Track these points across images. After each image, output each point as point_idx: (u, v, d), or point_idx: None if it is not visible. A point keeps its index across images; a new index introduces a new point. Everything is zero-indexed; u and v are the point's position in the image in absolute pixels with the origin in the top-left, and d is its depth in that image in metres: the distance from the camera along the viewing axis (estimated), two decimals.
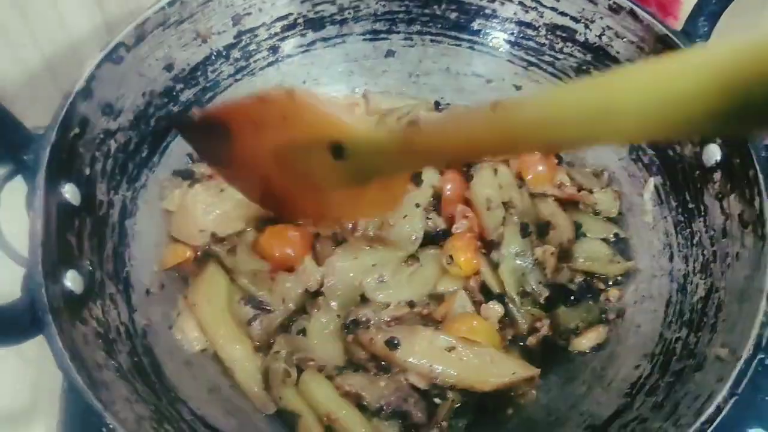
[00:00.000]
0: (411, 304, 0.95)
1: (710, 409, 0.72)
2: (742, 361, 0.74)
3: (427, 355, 0.88)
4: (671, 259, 0.98)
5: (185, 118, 0.97)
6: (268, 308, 0.94)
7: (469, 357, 0.89)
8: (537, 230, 1.01)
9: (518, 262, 0.97)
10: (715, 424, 0.71)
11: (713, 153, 0.92)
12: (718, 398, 0.72)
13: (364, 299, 0.96)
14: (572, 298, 1.00)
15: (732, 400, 0.72)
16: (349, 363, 0.93)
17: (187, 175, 1.05)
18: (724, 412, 0.72)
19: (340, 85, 1.19)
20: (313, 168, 0.81)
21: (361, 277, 0.95)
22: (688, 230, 0.96)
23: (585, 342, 0.97)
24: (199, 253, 1.01)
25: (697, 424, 0.71)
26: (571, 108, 0.55)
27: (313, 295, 0.96)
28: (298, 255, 0.97)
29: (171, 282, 0.99)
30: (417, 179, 1.03)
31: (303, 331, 0.94)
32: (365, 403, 0.88)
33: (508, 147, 0.71)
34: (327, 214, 0.91)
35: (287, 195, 0.89)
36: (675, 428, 0.73)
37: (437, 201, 1.03)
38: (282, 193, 0.89)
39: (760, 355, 1.06)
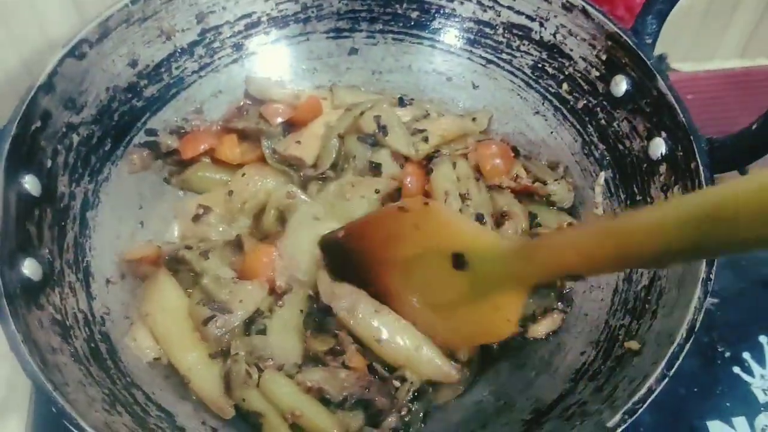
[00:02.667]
0: None
1: (642, 391, 0.74)
2: (675, 344, 0.76)
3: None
4: None
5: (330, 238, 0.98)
6: (228, 309, 0.95)
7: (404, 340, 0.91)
8: (493, 220, 1.03)
9: None
10: (646, 404, 0.73)
11: (659, 146, 0.95)
12: (651, 380, 0.74)
13: None
14: None
15: (664, 382, 0.74)
16: (308, 359, 0.95)
17: (152, 147, 1.08)
18: (655, 393, 0.74)
19: (304, 83, 1.21)
20: (433, 278, 0.84)
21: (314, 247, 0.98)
22: None
23: (541, 329, 0.99)
24: (167, 256, 1.01)
25: (629, 404, 0.73)
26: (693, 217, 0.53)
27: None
28: None
29: (131, 273, 1.01)
30: (376, 169, 1.05)
31: (263, 331, 0.95)
32: (328, 396, 0.90)
33: (627, 261, 0.69)
34: (438, 335, 0.92)
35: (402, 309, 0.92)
36: (611, 410, 0.75)
37: (398, 192, 1.06)
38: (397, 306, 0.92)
39: (720, 348, 1.10)
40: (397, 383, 0.92)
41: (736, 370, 1.10)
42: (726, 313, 1.14)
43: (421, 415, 0.92)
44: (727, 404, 1.06)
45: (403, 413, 0.91)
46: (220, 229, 1.06)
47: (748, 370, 1.10)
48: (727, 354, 1.11)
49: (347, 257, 0.94)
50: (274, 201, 1.05)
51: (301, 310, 0.97)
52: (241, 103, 1.17)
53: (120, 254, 1.01)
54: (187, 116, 1.13)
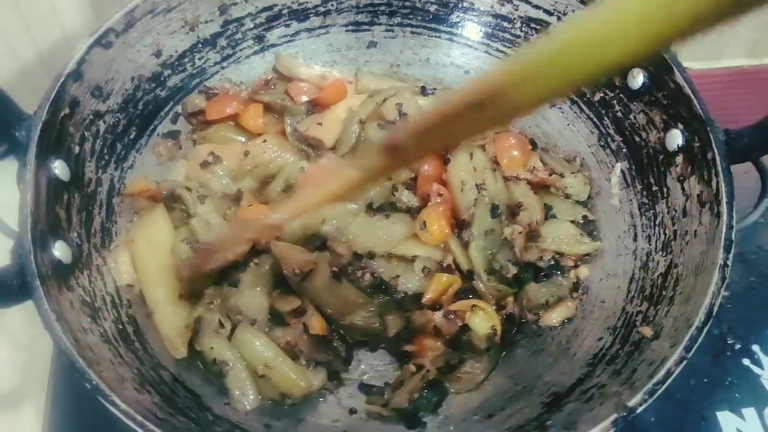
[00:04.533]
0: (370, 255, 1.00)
1: (661, 372, 0.75)
2: (693, 327, 0.78)
3: None
4: (635, 238, 1.02)
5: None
6: None
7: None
8: (508, 211, 1.05)
9: (487, 240, 1.01)
10: (666, 384, 0.75)
11: (675, 138, 0.97)
12: (670, 362, 0.76)
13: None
14: (542, 275, 1.03)
15: (682, 364, 0.76)
16: (272, 318, 0.97)
17: (175, 135, 1.10)
18: (674, 375, 0.75)
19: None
20: None
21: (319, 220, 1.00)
22: (651, 211, 1.01)
23: (555, 316, 1.01)
24: (164, 192, 1.03)
25: (649, 384, 0.74)
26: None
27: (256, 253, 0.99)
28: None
29: (129, 207, 1.03)
30: None
31: (234, 283, 0.96)
32: (299, 354, 0.93)
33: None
34: None
35: None
36: (630, 391, 0.77)
37: (413, 180, 1.08)
38: None
39: (729, 340, 1.12)
40: (413, 368, 0.94)
41: (746, 362, 1.11)
42: (736, 306, 1.15)
43: (434, 401, 0.94)
44: (737, 395, 1.07)
45: (411, 396, 0.93)
46: (224, 182, 1.07)
47: (758, 362, 1.11)
48: (737, 346, 1.12)
49: None
50: (286, 173, 1.07)
51: (273, 270, 0.98)
52: (269, 77, 1.19)
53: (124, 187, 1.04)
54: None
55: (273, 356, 0.91)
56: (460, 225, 1.04)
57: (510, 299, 1.01)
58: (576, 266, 1.05)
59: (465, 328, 0.97)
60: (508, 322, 1.00)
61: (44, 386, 1.04)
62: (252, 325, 0.94)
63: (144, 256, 0.97)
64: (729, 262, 0.82)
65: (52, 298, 0.78)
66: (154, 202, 1.02)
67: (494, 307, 0.99)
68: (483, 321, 0.97)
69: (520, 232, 1.01)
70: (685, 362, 0.76)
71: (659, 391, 0.74)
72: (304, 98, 1.15)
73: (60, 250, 0.85)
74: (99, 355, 0.80)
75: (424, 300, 0.98)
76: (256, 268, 0.97)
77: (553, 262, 1.04)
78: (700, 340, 0.78)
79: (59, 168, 0.89)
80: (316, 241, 1.00)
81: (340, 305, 0.94)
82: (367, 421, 0.93)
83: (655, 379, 0.75)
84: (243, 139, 1.14)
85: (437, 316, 0.97)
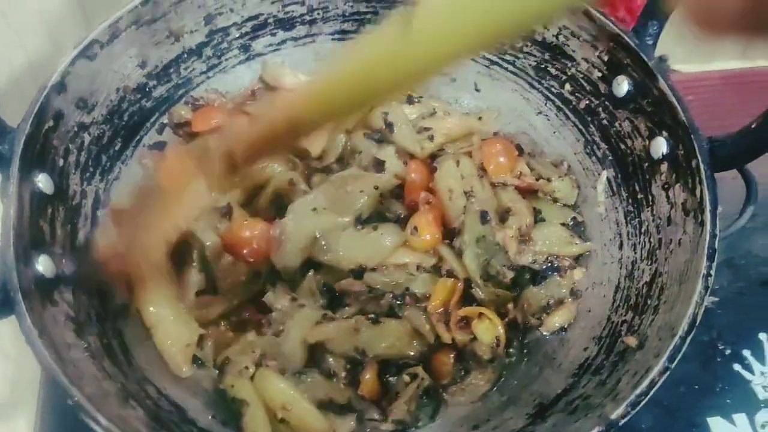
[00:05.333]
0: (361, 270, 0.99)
1: (645, 383, 0.75)
2: (677, 337, 0.78)
3: None
4: (621, 247, 1.02)
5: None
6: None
7: None
8: (497, 217, 1.05)
9: (480, 247, 1.01)
10: (648, 396, 0.75)
11: (660, 145, 0.97)
12: (654, 372, 0.76)
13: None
14: (540, 277, 1.04)
15: (666, 374, 0.76)
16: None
17: (161, 147, 1.10)
18: (657, 385, 0.75)
19: None
20: None
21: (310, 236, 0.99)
22: (636, 220, 1.00)
23: (557, 320, 1.00)
24: None
25: (632, 396, 0.74)
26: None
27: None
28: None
29: (115, 223, 0.99)
30: (380, 165, 1.07)
31: (279, 333, 0.96)
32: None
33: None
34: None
35: None
36: (614, 402, 0.76)
37: (401, 190, 1.08)
38: None
39: (720, 346, 1.12)
40: (407, 378, 0.94)
41: (737, 367, 1.11)
42: (726, 312, 1.15)
43: (431, 410, 0.94)
44: (728, 401, 1.07)
45: (410, 407, 0.92)
46: (211, 195, 1.05)
47: (749, 368, 1.11)
48: (728, 352, 1.12)
49: None
50: (274, 184, 1.06)
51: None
52: (256, 88, 1.19)
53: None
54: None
55: (293, 400, 0.90)
56: (450, 233, 1.04)
57: (510, 305, 1.01)
58: (571, 268, 1.05)
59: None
60: (513, 330, 1.00)
61: (35, 398, 1.04)
62: (282, 374, 0.93)
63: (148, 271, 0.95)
64: (712, 272, 0.82)
65: (34, 313, 0.77)
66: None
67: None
68: (488, 330, 0.97)
69: (512, 237, 1.01)
70: (668, 372, 0.76)
71: (642, 403, 0.74)
72: None
73: (43, 265, 0.84)
74: (83, 370, 0.79)
75: (429, 307, 0.98)
76: (303, 315, 0.97)
77: (548, 265, 1.04)
78: (683, 349, 0.78)
79: (43, 181, 0.89)
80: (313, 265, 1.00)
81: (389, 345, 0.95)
82: None
83: (638, 390, 0.75)
84: None
85: (453, 327, 0.97)
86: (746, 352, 1.13)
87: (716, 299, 1.16)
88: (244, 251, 1.00)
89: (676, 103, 0.93)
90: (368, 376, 0.94)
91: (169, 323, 0.93)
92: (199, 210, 0.92)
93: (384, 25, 0.54)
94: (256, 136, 0.68)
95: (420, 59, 0.50)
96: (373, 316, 0.97)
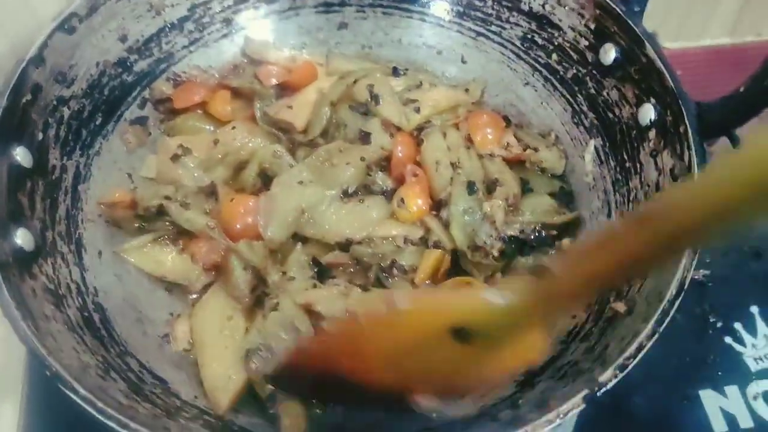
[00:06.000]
0: (347, 244, 0.99)
1: (633, 347, 0.74)
2: (665, 301, 0.77)
3: None
4: (609, 215, 1.01)
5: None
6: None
7: None
8: (485, 188, 1.04)
9: (467, 218, 1.00)
10: (636, 359, 0.73)
11: (648, 112, 0.96)
12: (641, 337, 0.75)
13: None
14: (528, 247, 1.03)
15: (654, 338, 0.75)
16: None
17: (143, 122, 1.09)
18: (645, 349, 0.74)
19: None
20: (437, 360, 0.70)
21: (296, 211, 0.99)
22: (625, 188, 1.00)
23: None
24: (151, 208, 1.00)
25: (620, 359, 0.73)
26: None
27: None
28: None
29: (106, 216, 1.01)
30: (366, 138, 1.06)
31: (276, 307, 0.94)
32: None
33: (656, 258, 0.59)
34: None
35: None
36: (602, 367, 0.75)
37: (387, 162, 1.07)
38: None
39: (711, 319, 1.11)
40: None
41: (728, 340, 1.11)
42: (717, 285, 1.15)
43: None
44: (719, 373, 1.07)
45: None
46: (195, 174, 1.05)
47: (740, 340, 1.11)
48: (719, 324, 1.12)
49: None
50: (259, 158, 1.05)
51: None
52: (238, 62, 1.18)
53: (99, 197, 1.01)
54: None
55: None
56: (437, 205, 1.03)
57: (498, 275, 1.00)
58: (560, 239, 1.05)
59: None
60: None
61: (20, 384, 1.03)
62: None
63: (201, 327, 0.94)
64: None
65: (12, 285, 0.77)
66: (132, 212, 1.01)
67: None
68: None
69: (499, 206, 1.01)
70: (656, 336, 0.75)
71: (630, 366, 0.73)
72: (273, 81, 1.13)
73: (22, 238, 0.83)
74: (62, 343, 0.78)
75: (416, 280, 0.97)
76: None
77: (536, 235, 1.03)
78: (671, 313, 0.76)
79: (21, 155, 0.88)
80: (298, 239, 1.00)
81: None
82: None
83: (626, 354, 0.74)
84: (212, 128, 1.12)
85: None
86: (738, 325, 1.12)
87: (708, 272, 1.15)
88: (237, 227, 0.99)
89: (663, 69, 0.93)
90: None
91: (216, 367, 0.91)
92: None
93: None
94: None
95: None
96: (360, 285, 0.97)
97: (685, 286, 0.78)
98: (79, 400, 0.70)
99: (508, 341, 0.66)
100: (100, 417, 0.69)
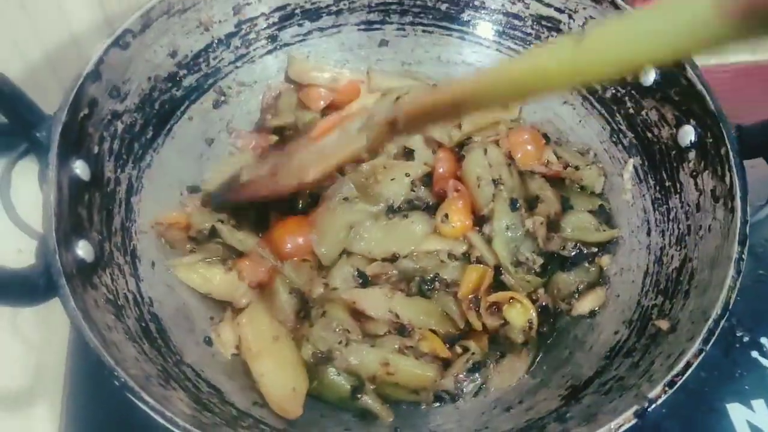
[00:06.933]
0: (393, 258, 1.01)
1: (680, 365, 0.76)
2: (711, 320, 0.79)
3: None
4: (649, 233, 1.03)
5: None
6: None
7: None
8: (526, 204, 1.06)
9: (509, 234, 1.02)
10: (685, 376, 0.76)
11: (688, 133, 0.98)
12: (689, 355, 0.77)
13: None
14: (569, 263, 1.05)
15: (701, 356, 0.77)
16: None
17: (197, 189, 1.11)
18: (692, 367, 0.76)
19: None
20: None
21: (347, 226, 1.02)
22: (664, 206, 1.02)
23: (586, 304, 1.02)
24: (203, 231, 1.04)
25: (669, 376, 0.76)
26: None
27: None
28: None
29: (160, 235, 1.04)
30: (409, 154, 1.09)
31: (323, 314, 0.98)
32: None
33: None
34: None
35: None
36: (649, 383, 0.78)
37: (429, 178, 1.09)
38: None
39: (738, 333, 1.13)
40: (459, 350, 0.97)
41: (755, 354, 1.12)
42: (745, 299, 1.13)
43: (477, 386, 0.97)
44: (746, 387, 1.08)
45: (459, 379, 0.96)
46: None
47: (766, 355, 1.12)
48: (746, 339, 1.14)
49: None
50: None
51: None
52: (277, 92, 1.20)
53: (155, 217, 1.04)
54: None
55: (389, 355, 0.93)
56: (479, 221, 1.05)
57: (541, 291, 1.02)
58: (599, 255, 1.07)
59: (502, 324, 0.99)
60: (543, 315, 1.01)
61: (58, 386, 1.05)
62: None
63: (248, 338, 0.96)
64: (744, 256, 0.84)
65: (78, 296, 0.79)
66: (185, 234, 1.04)
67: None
68: (520, 314, 0.99)
69: (541, 223, 1.02)
70: (703, 354, 0.77)
71: (679, 383, 0.76)
72: (322, 104, 1.17)
73: (83, 249, 0.85)
74: (124, 353, 0.80)
75: (459, 294, 0.99)
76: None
77: (577, 251, 1.05)
78: (717, 332, 0.79)
79: (80, 168, 0.90)
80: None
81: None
82: None
83: (674, 371, 0.76)
84: None
85: (484, 312, 0.98)
86: (764, 340, 1.14)
87: None
88: (288, 247, 1.01)
89: (704, 92, 0.95)
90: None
91: (274, 376, 0.93)
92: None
93: (558, 40, 0.73)
94: (422, 109, 0.79)
95: (577, 72, 0.61)
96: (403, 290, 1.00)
97: (730, 306, 0.81)
98: (148, 410, 0.72)
99: None
100: (169, 426, 0.71)
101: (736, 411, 1.06)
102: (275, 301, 0.98)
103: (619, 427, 0.73)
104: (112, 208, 0.96)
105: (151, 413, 0.72)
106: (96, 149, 0.95)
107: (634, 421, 0.74)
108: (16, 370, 1.07)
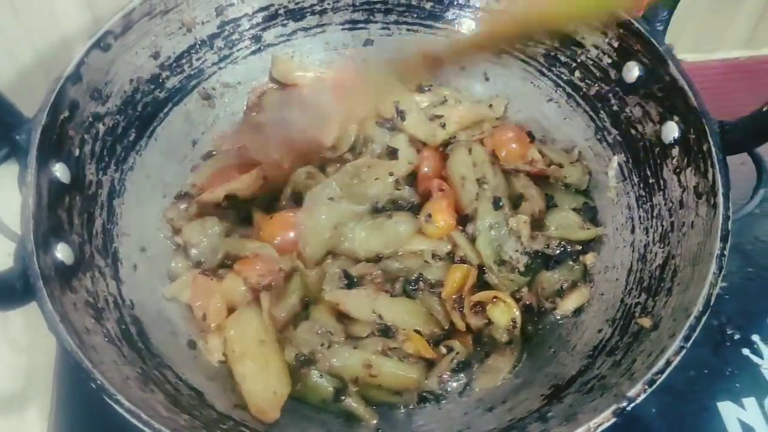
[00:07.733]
0: (377, 258, 1.01)
1: (661, 362, 0.76)
2: (692, 317, 0.79)
3: None
4: (633, 231, 1.02)
5: None
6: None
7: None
8: (510, 203, 1.06)
9: (493, 233, 1.02)
10: (665, 374, 0.75)
11: (671, 130, 0.98)
12: (669, 352, 0.76)
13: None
14: (553, 261, 1.04)
15: (681, 354, 0.76)
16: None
17: (184, 197, 1.10)
18: (673, 365, 0.76)
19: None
20: None
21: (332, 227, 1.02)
22: (648, 204, 1.01)
23: (570, 303, 1.02)
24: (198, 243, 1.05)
25: (649, 375, 0.75)
26: None
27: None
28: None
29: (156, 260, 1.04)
30: (393, 153, 1.08)
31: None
32: None
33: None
34: None
35: None
36: (630, 381, 0.77)
37: (413, 177, 1.09)
38: None
39: (729, 331, 1.12)
40: (443, 350, 0.97)
41: (746, 352, 1.12)
42: (735, 297, 1.16)
43: (461, 386, 0.96)
44: (737, 385, 1.08)
45: (444, 379, 0.95)
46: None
47: (758, 352, 1.12)
48: (737, 336, 1.13)
49: None
50: (293, 179, 1.07)
51: None
52: (263, 91, 1.20)
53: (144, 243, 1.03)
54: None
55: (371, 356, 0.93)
56: (463, 220, 1.05)
57: (525, 290, 1.02)
58: (583, 253, 1.06)
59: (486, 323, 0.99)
60: (527, 314, 1.01)
61: (48, 389, 1.04)
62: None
63: (233, 341, 0.95)
64: (726, 252, 0.83)
65: (55, 299, 0.78)
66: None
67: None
68: (503, 313, 0.98)
69: (525, 221, 1.02)
70: (684, 351, 0.77)
71: (659, 381, 0.75)
72: None
73: (62, 252, 0.85)
74: (103, 355, 0.80)
75: (443, 294, 0.99)
76: None
77: (561, 250, 1.05)
78: (698, 329, 0.78)
79: (60, 171, 0.90)
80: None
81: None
82: None
83: (654, 369, 0.76)
84: None
85: (468, 312, 0.98)
86: (755, 337, 1.13)
87: (725, 284, 1.15)
88: (276, 242, 1.02)
89: (687, 88, 0.94)
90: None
91: (254, 379, 0.92)
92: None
93: None
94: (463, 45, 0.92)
95: None
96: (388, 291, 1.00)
97: (711, 302, 0.80)
98: (124, 412, 0.72)
99: None
100: (145, 429, 0.71)
101: (727, 409, 1.06)
102: (282, 297, 0.99)
103: (598, 426, 0.73)
104: (93, 210, 0.96)
105: (127, 416, 0.72)
106: (77, 152, 0.95)
107: (613, 420, 0.73)
108: (5, 373, 1.07)
